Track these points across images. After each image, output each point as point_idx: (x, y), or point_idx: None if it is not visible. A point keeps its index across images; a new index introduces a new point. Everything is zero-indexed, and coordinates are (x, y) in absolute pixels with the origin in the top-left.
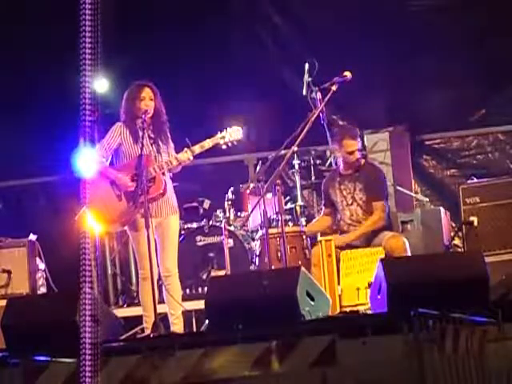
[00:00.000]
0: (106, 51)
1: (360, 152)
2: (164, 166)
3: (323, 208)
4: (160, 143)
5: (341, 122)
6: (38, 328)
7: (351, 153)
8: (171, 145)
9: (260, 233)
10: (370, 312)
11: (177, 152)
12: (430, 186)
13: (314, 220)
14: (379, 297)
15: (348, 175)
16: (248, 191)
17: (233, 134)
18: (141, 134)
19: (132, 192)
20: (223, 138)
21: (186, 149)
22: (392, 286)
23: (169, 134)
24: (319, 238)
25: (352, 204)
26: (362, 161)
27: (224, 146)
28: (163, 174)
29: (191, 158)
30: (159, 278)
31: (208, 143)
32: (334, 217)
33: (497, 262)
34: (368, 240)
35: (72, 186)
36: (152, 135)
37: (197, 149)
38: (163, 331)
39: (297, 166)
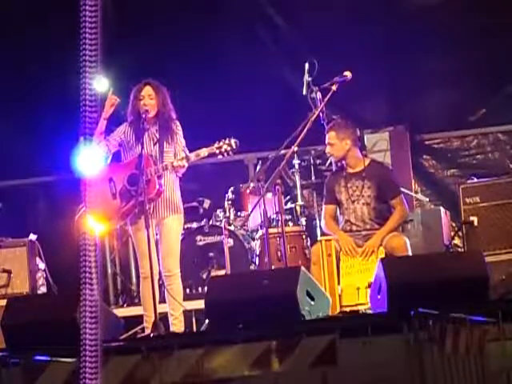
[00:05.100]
0: (106, 51)
1: (346, 150)
2: (160, 169)
3: (326, 206)
4: (164, 143)
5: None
6: (38, 328)
7: (329, 145)
8: (180, 143)
9: (260, 232)
10: (370, 312)
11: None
12: (430, 186)
13: (328, 223)
14: (379, 297)
15: (355, 173)
16: (248, 191)
17: (229, 145)
18: (142, 133)
19: (126, 191)
20: (219, 148)
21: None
22: (392, 286)
23: (178, 132)
24: (319, 237)
25: (358, 202)
26: (367, 160)
27: (220, 156)
28: (159, 177)
29: (186, 164)
30: (160, 278)
31: (204, 152)
32: (335, 215)
33: (497, 261)
34: (369, 240)
35: (72, 185)
36: (156, 135)
37: (192, 156)
38: (163, 331)
39: (297, 166)
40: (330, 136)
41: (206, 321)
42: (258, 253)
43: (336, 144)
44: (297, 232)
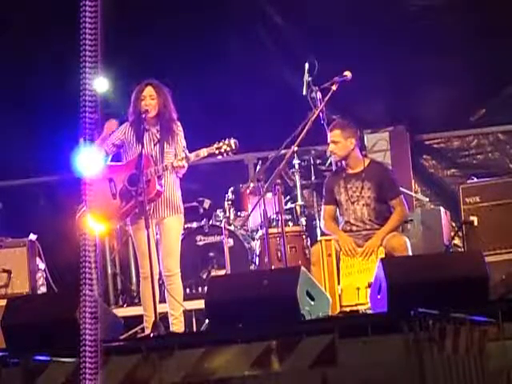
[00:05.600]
0: (106, 51)
1: (348, 149)
2: (160, 170)
3: (325, 206)
4: (165, 144)
5: None
6: (38, 328)
7: (333, 143)
8: (181, 144)
9: (260, 232)
10: (369, 312)
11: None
12: (430, 186)
13: (328, 223)
14: (379, 297)
15: (355, 174)
16: (248, 191)
17: (228, 145)
18: (143, 134)
19: (127, 191)
20: (219, 148)
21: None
22: (392, 286)
23: (179, 132)
24: (319, 237)
25: (358, 203)
26: (367, 160)
27: (219, 157)
28: (159, 177)
29: (186, 165)
30: (160, 278)
31: (203, 152)
32: (335, 216)
33: (497, 261)
34: (369, 240)
35: (72, 185)
36: (157, 135)
37: (192, 157)
38: (163, 331)
39: (297, 166)
40: (335, 134)
41: (206, 321)
42: (258, 253)
43: (341, 142)
44: (297, 232)
